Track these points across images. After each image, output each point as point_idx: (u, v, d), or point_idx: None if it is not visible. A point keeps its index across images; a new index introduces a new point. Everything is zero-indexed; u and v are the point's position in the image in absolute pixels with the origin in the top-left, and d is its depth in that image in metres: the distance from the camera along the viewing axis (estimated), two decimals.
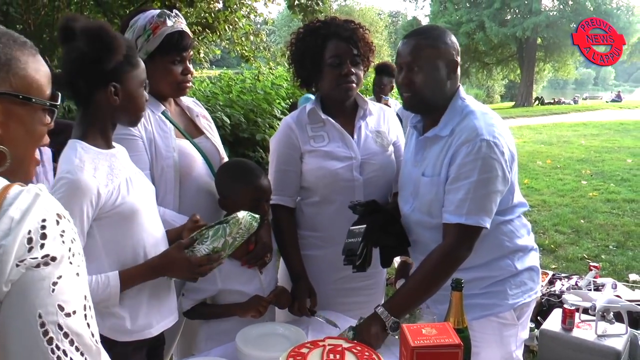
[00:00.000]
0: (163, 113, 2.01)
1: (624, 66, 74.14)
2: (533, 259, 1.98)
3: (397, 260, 2.70)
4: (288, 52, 2.29)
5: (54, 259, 0.83)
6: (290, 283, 2.19)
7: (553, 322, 3.11)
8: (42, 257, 0.82)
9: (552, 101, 36.00)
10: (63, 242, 0.85)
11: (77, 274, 0.87)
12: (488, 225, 1.78)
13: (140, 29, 1.94)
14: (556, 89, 62.92)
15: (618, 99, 36.80)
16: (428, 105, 1.88)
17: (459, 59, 1.87)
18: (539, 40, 34.35)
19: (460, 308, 1.48)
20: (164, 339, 1.78)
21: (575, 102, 36.62)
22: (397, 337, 1.79)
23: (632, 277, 4.92)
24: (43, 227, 0.83)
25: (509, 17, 35.04)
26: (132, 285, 1.61)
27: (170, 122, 2.02)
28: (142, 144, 1.91)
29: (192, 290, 1.97)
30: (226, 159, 2.20)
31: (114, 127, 1.68)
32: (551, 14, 34.78)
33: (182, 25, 1.99)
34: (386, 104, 5.10)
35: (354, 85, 2.14)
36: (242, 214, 1.70)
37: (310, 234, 2.26)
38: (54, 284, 0.82)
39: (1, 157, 0.94)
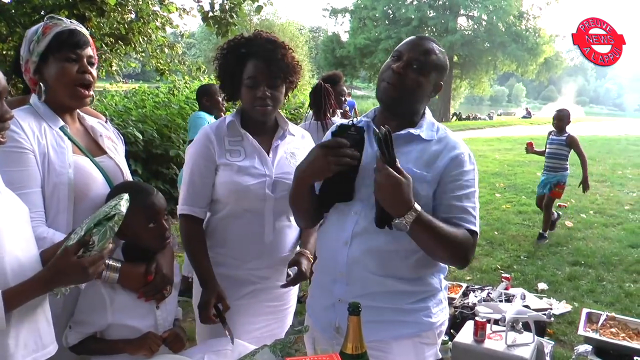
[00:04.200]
0: (61, 129, 1.87)
1: (534, 84, 78.83)
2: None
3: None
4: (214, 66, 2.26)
5: None
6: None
7: (465, 335, 3.16)
8: None
9: (469, 117, 37.56)
10: None
11: None
12: None
13: (32, 33, 1.88)
14: (473, 105, 65.65)
15: (528, 115, 38.91)
16: (400, 105, 1.81)
17: (442, 83, 1.88)
18: (455, 58, 35.76)
19: (359, 332, 1.41)
20: None
21: (490, 117, 38.48)
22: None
23: (541, 285, 5.12)
24: None
25: (426, 34, 36.28)
26: (20, 304, 1.44)
27: (69, 138, 1.88)
28: (34, 158, 1.75)
29: (80, 323, 1.79)
30: (131, 180, 2.06)
31: None
32: (466, 33, 36.42)
33: (78, 27, 1.91)
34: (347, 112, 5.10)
35: (270, 107, 2.13)
36: (124, 206, 1.54)
37: (218, 250, 2.20)
38: None
39: None
